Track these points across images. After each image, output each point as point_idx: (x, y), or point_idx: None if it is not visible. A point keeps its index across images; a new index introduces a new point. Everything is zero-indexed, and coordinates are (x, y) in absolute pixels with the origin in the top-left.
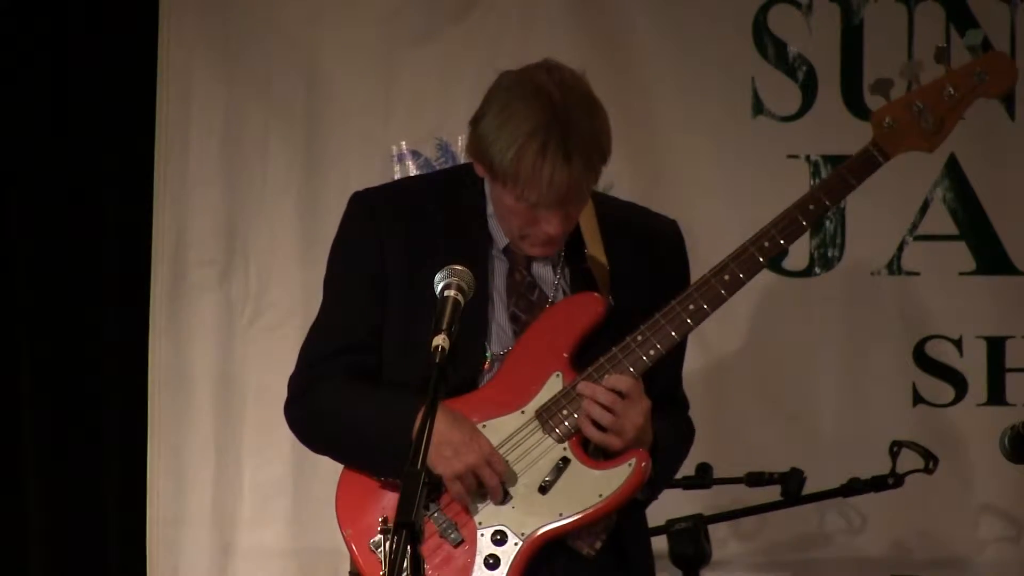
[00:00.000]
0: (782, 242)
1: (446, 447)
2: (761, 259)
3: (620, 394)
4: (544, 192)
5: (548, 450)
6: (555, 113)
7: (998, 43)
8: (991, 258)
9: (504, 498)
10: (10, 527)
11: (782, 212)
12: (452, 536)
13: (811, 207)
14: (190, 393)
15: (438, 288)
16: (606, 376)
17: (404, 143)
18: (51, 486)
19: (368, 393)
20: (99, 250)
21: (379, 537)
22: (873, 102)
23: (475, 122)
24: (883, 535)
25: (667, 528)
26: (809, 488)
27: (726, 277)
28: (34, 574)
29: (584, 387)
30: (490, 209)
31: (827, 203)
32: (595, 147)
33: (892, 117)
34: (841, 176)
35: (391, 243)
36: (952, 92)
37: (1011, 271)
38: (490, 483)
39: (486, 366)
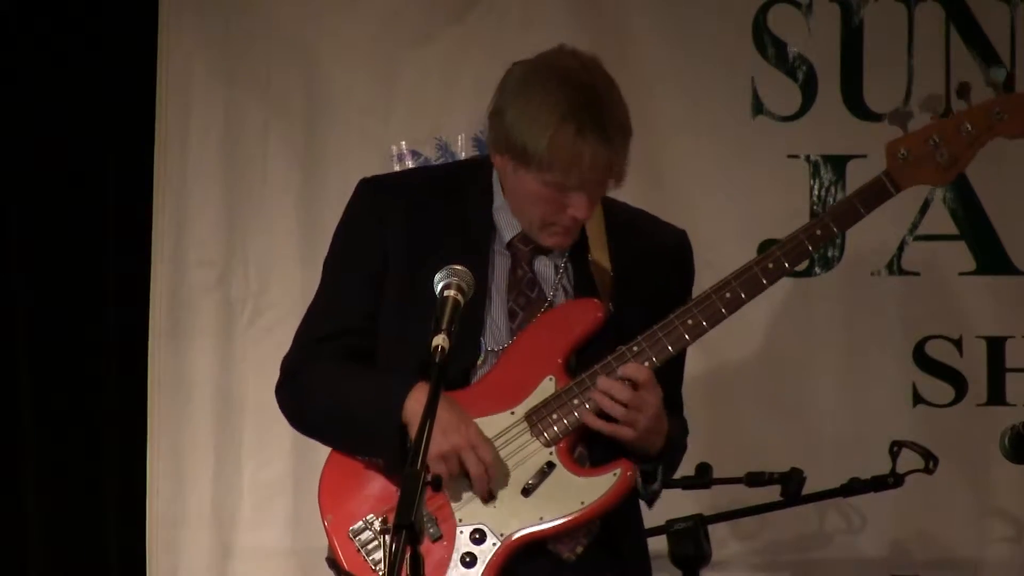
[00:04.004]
0: (787, 265)
1: (435, 425)
2: (764, 281)
3: (635, 384)
4: (586, 173)
5: (534, 453)
6: (587, 95)
7: (998, 43)
8: (991, 258)
9: (487, 497)
10: (10, 527)
11: (789, 235)
12: (431, 531)
13: (818, 232)
14: (190, 393)
15: (438, 288)
16: (621, 366)
17: (404, 143)
18: (51, 486)
19: (361, 372)
20: (99, 250)
21: (359, 525)
22: (873, 102)
23: (498, 114)
24: (883, 535)
25: (667, 528)
26: (809, 488)
27: (727, 295)
28: (34, 574)
29: (602, 382)
30: (496, 202)
31: (835, 230)
32: (626, 125)
33: (907, 148)
34: (851, 204)
35: (394, 235)
36: (970, 129)
37: (1011, 271)
38: (473, 470)
39: (479, 362)
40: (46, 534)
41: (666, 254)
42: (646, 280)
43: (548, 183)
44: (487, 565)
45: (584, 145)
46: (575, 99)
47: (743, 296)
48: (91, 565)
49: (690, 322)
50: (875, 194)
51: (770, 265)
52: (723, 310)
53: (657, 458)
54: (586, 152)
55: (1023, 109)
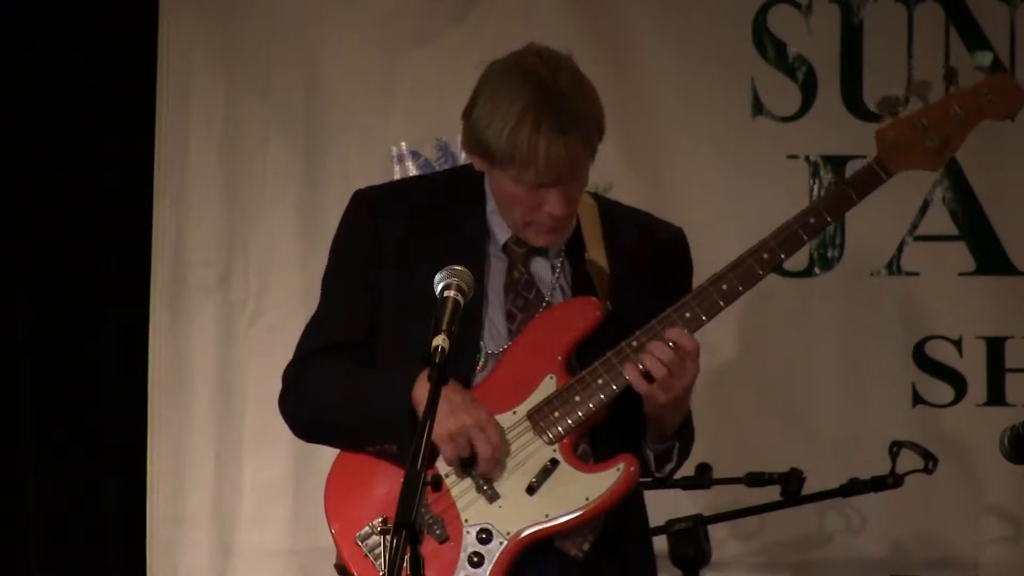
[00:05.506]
0: (781, 255)
1: (444, 404)
2: (760, 271)
3: (683, 351)
4: (542, 168)
5: (538, 451)
6: (546, 90)
7: (997, 44)
8: (991, 258)
9: (491, 497)
10: (10, 526)
11: (782, 224)
12: (437, 532)
13: (811, 220)
14: (190, 393)
15: (438, 288)
16: (670, 329)
17: (404, 143)
18: (51, 486)
19: (362, 370)
20: (99, 250)
21: (366, 530)
22: (873, 102)
23: (467, 114)
24: (883, 535)
25: (667, 528)
26: (809, 488)
27: (724, 287)
28: (34, 574)
29: (651, 344)
30: (490, 206)
31: (828, 218)
32: (590, 121)
33: (896, 134)
34: (843, 191)
35: (390, 242)
36: (959, 111)
37: (1011, 271)
38: (482, 449)
39: (479, 365)
40: (46, 534)
41: (664, 252)
42: (644, 277)
43: (520, 181)
44: (494, 564)
45: (540, 140)
46: (533, 95)
47: (740, 288)
48: (91, 565)
49: (688, 315)
50: (866, 181)
51: (765, 256)
52: (720, 302)
53: (673, 437)
54: (541, 146)
55: (1010, 91)
